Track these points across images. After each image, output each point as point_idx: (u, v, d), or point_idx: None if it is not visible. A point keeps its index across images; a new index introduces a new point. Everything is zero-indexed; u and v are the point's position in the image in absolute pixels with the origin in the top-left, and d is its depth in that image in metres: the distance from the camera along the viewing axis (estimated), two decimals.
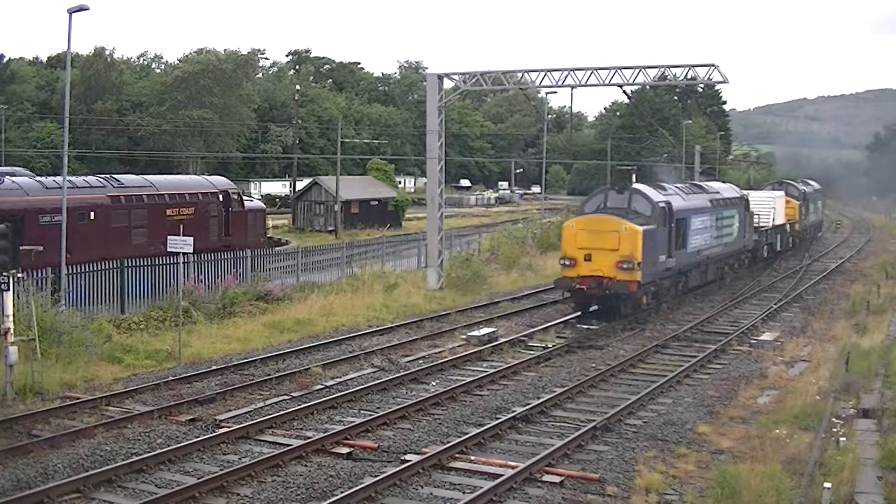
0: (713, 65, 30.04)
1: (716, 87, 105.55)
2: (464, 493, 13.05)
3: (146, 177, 34.32)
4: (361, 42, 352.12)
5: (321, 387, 19.18)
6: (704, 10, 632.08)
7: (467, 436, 15.47)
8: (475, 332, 24.38)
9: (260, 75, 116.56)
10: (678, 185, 33.67)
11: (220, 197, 33.90)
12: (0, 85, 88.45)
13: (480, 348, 23.10)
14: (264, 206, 42.27)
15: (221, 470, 13.67)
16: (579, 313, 28.23)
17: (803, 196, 51.40)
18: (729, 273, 36.68)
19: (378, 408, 17.60)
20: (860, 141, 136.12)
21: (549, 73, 32.06)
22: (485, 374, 20.43)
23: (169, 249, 22.38)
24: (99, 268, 25.73)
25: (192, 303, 25.09)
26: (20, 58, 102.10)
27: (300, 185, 70.73)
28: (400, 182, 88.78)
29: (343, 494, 12.58)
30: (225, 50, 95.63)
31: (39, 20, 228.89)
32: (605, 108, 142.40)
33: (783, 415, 17.00)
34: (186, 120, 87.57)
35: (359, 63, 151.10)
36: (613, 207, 27.70)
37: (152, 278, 27.44)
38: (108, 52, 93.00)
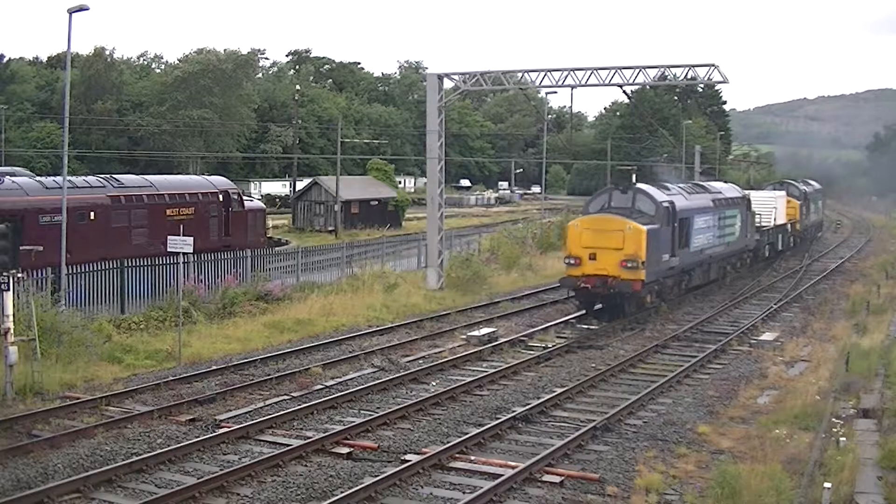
0: (713, 65, 30.09)
1: (716, 87, 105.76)
2: (464, 493, 13.05)
3: (146, 177, 34.32)
4: (361, 42, 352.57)
5: (321, 387, 19.18)
6: (704, 10, 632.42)
7: (467, 436, 15.47)
8: (475, 332, 24.38)
9: (260, 75, 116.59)
10: (681, 185, 33.94)
11: (220, 197, 33.90)
12: (0, 85, 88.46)
13: (480, 348, 23.10)
14: (264, 206, 42.28)
15: (221, 470, 13.67)
16: (582, 312, 28.34)
17: (804, 196, 51.70)
18: (731, 272, 36.87)
19: (378, 408, 17.60)
20: (860, 141, 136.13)
21: (549, 73, 32.06)
22: (485, 374, 20.43)
23: (169, 249, 22.38)
24: (99, 268, 25.73)
25: (192, 303, 25.09)
26: (20, 58, 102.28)
27: (300, 185, 70.73)
28: (400, 182, 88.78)
29: (343, 494, 12.58)
30: (225, 50, 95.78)
31: (39, 20, 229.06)
32: (605, 108, 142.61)
33: (783, 415, 17.00)
34: (186, 120, 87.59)
35: (359, 63, 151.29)
36: (617, 207, 27.95)
37: (152, 278, 27.43)
38: (108, 52, 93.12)
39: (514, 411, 17.26)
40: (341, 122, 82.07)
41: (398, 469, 13.69)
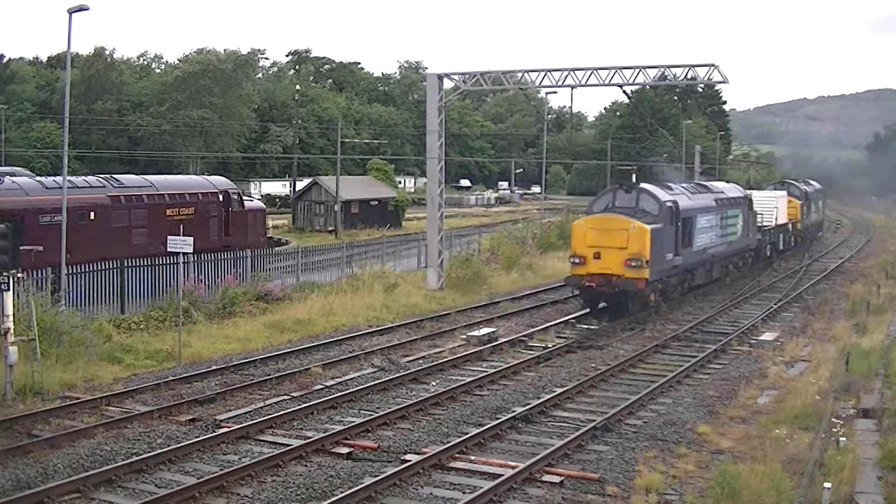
0: (713, 65, 30.09)
1: (716, 87, 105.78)
2: (464, 493, 13.05)
3: (146, 177, 34.31)
4: (361, 42, 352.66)
5: (321, 387, 19.18)
6: (704, 10, 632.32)
7: (467, 436, 15.47)
8: (475, 332, 24.38)
9: (260, 75, 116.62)
10: (684, 185, 34.27)
11: (220, 197, 33.89)
12: (0, 85, 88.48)
13: (480, 348, 23.09)
14: (264, 206, 42.27)
15: (221, 470, 13.66)
16: (582, 312, 28.45)
17: (805, 196, 52.04)
18: (733, 271, 37.07)
19: (378, 408, 17.60)
20: (860, 141, 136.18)
21: (549, 73, 32.06)
22: (485, 374, 20.43)
23: (169, 249, 22.37)
24: (99, 268, 25.73)
25: (192, 303, 25.08)
26: (20, 58, 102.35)
27: (300, 185, 70.73)
28: (400, 182, 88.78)
29: (343, 494, 12.58)
30: (225, 50, 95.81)
31: (39, 20, 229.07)
32: (605, 108, 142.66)
33: (783, 415, 17.00)
34: (186, 120, 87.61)
35: (359, 63, 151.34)
36: (622, 207, 28.23)
37: (152, 278, 27.43)
38: (108, 52, 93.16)
39: (514, 411, 17.25)
40: (341, 122, 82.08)
41: (398, 469, 13.68)
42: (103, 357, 20.63)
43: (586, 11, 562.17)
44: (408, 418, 16.93)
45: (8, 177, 28.12)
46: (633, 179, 31.75)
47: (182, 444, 14.79)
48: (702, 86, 78.51)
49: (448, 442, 15.27)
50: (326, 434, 15.46)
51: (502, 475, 13.49)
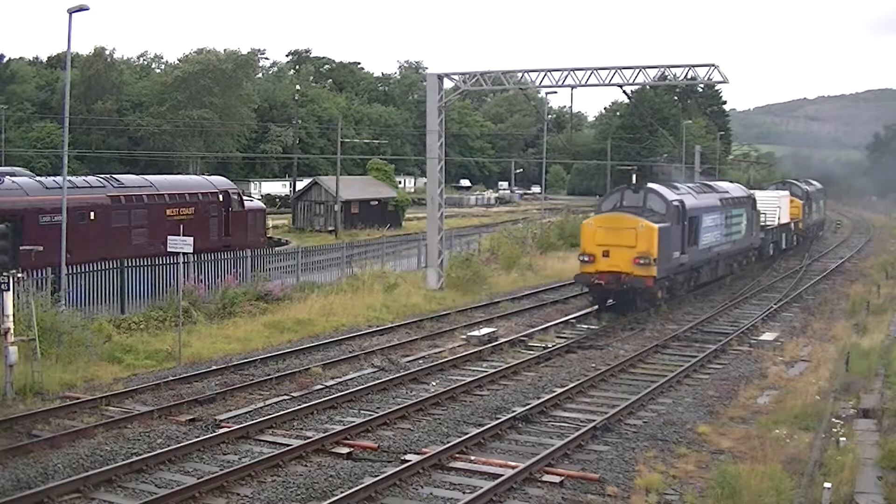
0: (713, 65, 30.09)
1: (716, 87, 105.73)
2: (464, 493, 13.05)
3: (146, 177, 34.30)
4: (361, 42, 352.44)
5: (321, 387, 19.18)
6: (704, 10, 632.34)
7: (467, 436, 15.47)
8: (475, 332, 24.38)
9: (260, 75, 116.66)
10: (690, 185, 34.99)
11: (220, 197, 33.89)
12: (0, 85, 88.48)
13: (480, 348, 23.09)
14: (264, 206, 42.27)
15: (221, 470, 13.66)
16: (586, 311, 28.72)
17: (806, 195, 52.59)
18: (737, 270, 37.54)
19: (378, 408, 17.60)
20: (860, 141, 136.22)
21: (549, 73, 32.06)
22: (485, 374, 20.42)
23: (169, 249, 22.38)
24: (99, 268, 25.73)
25: (192, 303, 25.09)
26: (20, 58, 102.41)
27: (300, 185, 70.75)
28: (400, 182, 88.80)
29: (343, 494, 12.58)
30: (225, 50, 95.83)
31: (39, 20, 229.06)
32: (605, 108, 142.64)
33: (783, 415, 17.00)
34: (186, 120, 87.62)
35: (359, 63, 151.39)
36: (629, 206, 28.75)
37: (152, 278, 27.43)
38: (108, 52, 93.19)
39: (514, 411, 17.26)
40: (341, 122, 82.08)
41: (398, 469, 13.68)
42: (103, 357, 20.63)
43: (586, 11, 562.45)
44: (408, 418, 16.93)
45: (8, 177, 28.12)
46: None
47: (182, 444, 14.79)
48: (702, 86, 78.48)
49: (448, 442, 15.27)
50: (326, 434, 15.45)
51: (502, 475, 13.49)
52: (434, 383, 19.86)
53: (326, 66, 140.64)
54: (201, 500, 12.66)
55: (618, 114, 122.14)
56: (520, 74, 33.46)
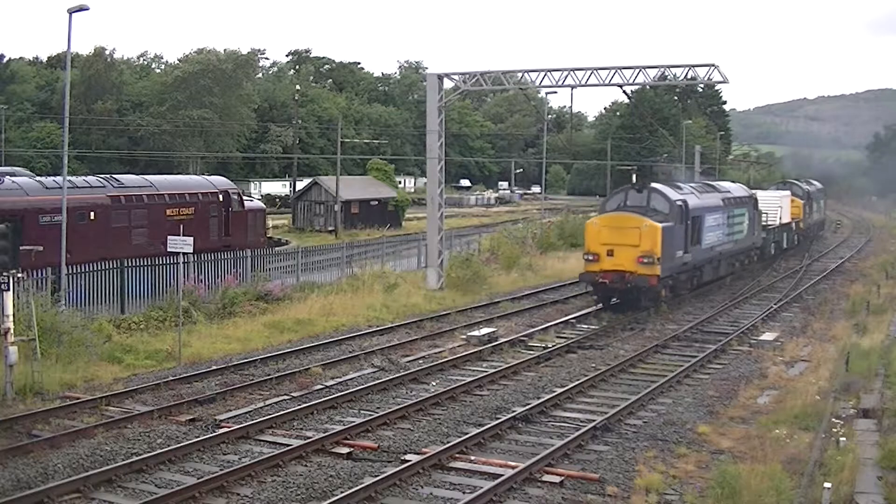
0: (713, 65, 30.10)
1: (716, 87, 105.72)
2: (464, 493, 13.05)
3: (146, 177, 34.31)
4: (361, 42, 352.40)
5: (321, 387, 19.17)
6: (704, 10, 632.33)
7: (467, 436, 15.47)
8: (475, 332, 24.38)
9: (260, 75, 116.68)
10: (693, 185, 35.26)
11: (220, 197, 33.90)
12: (0, 85, 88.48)
13: (480, 348, 23.09)
14: (264, 206, 42.28)
15: (221, 470, 13.66)
16: (586, 311, 28.82)
17: (807, 195, 53.00)
18: (739, 269, 37.74)
19: (378, 408, 17.59)
20: (860, 141, 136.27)
21: (549, 73, 32.06)
22: (485, 374, 20.42)
23: (169, 249, 22.37)
24: (99, 268, 25.73)
25: (192, 303, 25.08)
26: (20, 58, 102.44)
27: (300, 185, 70.75)
28: (400, 182, 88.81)
29: (343, 494, 12.58)
30: (225, 50, 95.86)
31: (39, 20, 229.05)
32: (605, 108, 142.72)
33: (783, 415, 17.00)
34: (186, 120, 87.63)
35: (359, 63, 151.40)
36: (633, 206, 29.07)
37: (152, 278, 27.43)
38: (108, 52, 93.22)
39: (514, 411, 17.25)
40: (341, 122, 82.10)
41: (398, 469, 13.68)
42: (103, 357, 20.63)
43: (586, 11, 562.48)
44: (408, 418, 16.92)
45: (8, 177, 28.12)
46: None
47: (182, 444, 14.79)
48: (702, 86, 78.48)
49: (448, 442, 15.27)
50: (326, 434, 15.45)
51: (502, 475, 13.49)
52: (434, 383, 19.86)
53: (326, 66, 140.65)
54: (201, 500, 12.66)
55: (618, 114, 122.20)
56: (520, 74, 33.47)
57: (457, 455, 14.66)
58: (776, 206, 44.37)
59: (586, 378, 20.04)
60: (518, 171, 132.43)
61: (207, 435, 15.44)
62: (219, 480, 13.12)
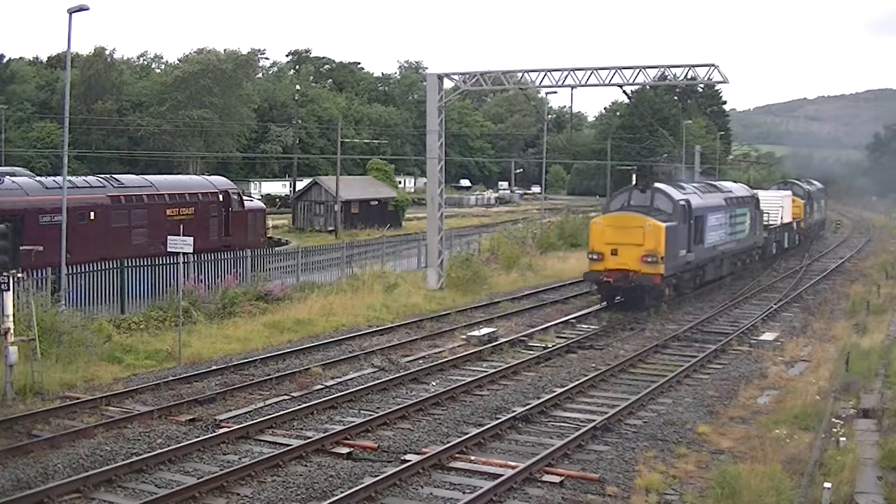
0: (713, 65, 30.09)
1: (716, 87, 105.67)
2: (464, 493, 13.05)
3: (146, 177, 34.31)
4: (361, 42, 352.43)
5: (321, 387, 19.17)
6: (704, 10, 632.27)
7: (467, 436, 15.46)
8: (475, 332, 24.38)
9: (260, 75, 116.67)
10: (696, 185, 35.59)
11: (220, 197, 33.90)
12: (0, 85, 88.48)
13: (480, 348, 23.09)
14: (264, 206, 42.28)
15: (221, 470, 13.66)
16: (585, 311, 28.91)
17: (808, 195, 53.31)
18: (741, 268, 37.97)
19: (378, 408, 17.59)
20: (860, 141, 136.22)
21: (549, 73, 32.06)
22: (485, 374, 20.42)
23: (169, 249, 22.37)
24: (99, 268, 25.72)
25: (192, 303, 25.08)
26: (20, 58, 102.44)
27: (300, 185, 70.75)
28: (400, 182, 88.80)
29: (343, 494, 12.58)
30: (225, 50, 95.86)
31: (39, 20, 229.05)
32: (605, 108, 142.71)
33: (783, 415, 16.99)
34: (186, 120, 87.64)
35: (359, 63, 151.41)
36: (637, 205, 29.34)
37: (152, 278, 27.43)
38: (108, 52, 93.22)
39: (514, 411, 17.25)
40: (341, 122, 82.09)
41: (398, 469, 13.68)
42: (103, 357, 20.63)
43: (586, 11, 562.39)
44: (408, 418, 16.92)
45: (8, 177, 28.11)
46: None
47: (182, 444, 14.79)
48: (702, 86, 78.45)
49: (448, 442, 15.27)
50: (326, 434, 15.45)
51: (502, 475, 13.49)
52: (434, 383, 19.86)
53: (326, 66, 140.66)
54: (201, 500, 12.66)
55: (618, 114, 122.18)
56: (520, 74, 33.46)
57: (457, 455, 14.66)
58: (777, 205, 44.64)
59: (586, 378, 20.04)
60: (518, 171, 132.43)
61: (207, 435, 15.43)
62: (219, 480, 13.12)
